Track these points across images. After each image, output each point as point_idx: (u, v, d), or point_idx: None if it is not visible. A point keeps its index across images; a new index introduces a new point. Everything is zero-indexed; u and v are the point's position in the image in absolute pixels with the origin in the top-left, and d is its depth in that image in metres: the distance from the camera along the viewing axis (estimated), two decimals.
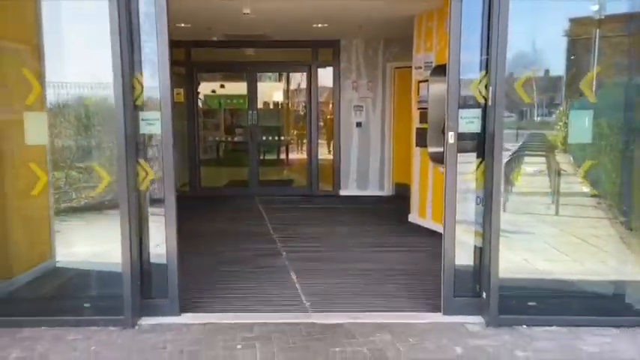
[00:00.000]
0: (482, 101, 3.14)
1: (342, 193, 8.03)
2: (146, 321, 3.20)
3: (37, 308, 3.31)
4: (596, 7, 3.20)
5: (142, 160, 3.14)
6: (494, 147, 3.08)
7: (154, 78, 3.08)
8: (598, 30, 3.31)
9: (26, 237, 3.62)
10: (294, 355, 2.79)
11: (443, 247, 3.29)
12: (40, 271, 3.61)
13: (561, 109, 3.83)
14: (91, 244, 3.62)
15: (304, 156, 8.48)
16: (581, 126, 3.23)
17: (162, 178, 3.10)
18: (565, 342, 2.96)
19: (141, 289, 3.22)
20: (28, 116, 3.24)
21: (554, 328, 3.13)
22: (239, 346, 2.88)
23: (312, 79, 8.20)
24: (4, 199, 3.45)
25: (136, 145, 3.12)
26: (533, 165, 4.47)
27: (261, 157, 8.74)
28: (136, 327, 3.15)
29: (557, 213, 4.21)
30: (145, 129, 3.10)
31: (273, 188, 8.51)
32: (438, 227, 4.33)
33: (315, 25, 6.88)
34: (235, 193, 8.12)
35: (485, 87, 3.10)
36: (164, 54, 3.09)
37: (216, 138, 9.09)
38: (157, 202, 3.17)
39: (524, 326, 3.15)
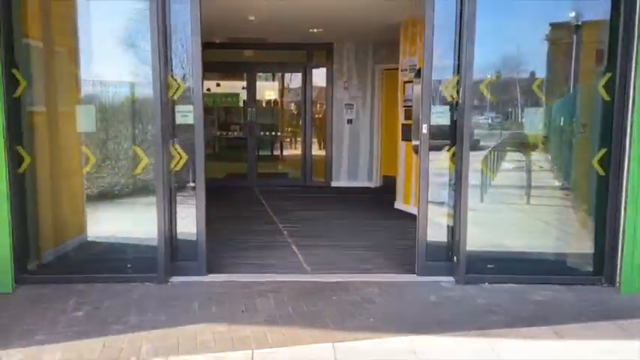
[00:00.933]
0: (453, 100, 3.85)
1: (334, 184, 8.74)
2: (176, 279, 3.86)
3: (87, 268, 3.96)
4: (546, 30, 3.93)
5: (177, 146, 3.80)
6: (463, 136, 3.80)
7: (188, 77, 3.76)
8: (550, 40, 4.04)
9: (76, 208, 4.25)
10: (300, 302, 3.48)
11: (417, 219, 4.00)
12: (84, 239, 4.24)
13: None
14: (133, 217, 4.26)
15: (299, 150, 9.17)
16: (534, 121, 3.97)
17: (194, 160, 3.77)
18: (517, 294, 3.68)
19: (171, 254, 3.89)
20: (80, 109, 3.89)
21: (510, 285, 3.84)
22: (257, 298, 3.56)
23: (307, 79, 8.91)
24: (58, 178, 4.10)
25: (173, 133, 3.79)
26: (511, 162, 5.12)
27: (259, 152, 9.39)
28: (169, 283, 3.81)
29: (528, 202, 4.91)
30: (180, 120, 3.77)
31: (271, 180, 9.17)
32: None
33: (310, 30, 7.56)
34: (236, 185, 8.77)
35: (457, 87, 3.82)
36: (197, 57, 3.75)
37: (217, 134, 9.70)
38: (187, 180, 3.84)
39: (487, 284, 3.86)
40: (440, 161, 4.06)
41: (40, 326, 3.07)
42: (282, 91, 10.18)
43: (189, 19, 3.72)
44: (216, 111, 9.71)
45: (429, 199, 4.00)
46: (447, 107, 3.80)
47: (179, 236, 3.99)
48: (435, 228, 4.08)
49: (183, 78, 3.83)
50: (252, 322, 3.17)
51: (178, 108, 3.78)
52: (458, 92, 3.77)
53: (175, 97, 3.79)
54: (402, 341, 2.91)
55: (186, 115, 3.75)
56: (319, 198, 7.78)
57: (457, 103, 3.80)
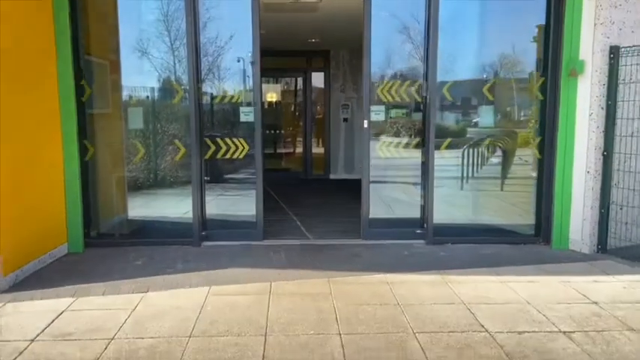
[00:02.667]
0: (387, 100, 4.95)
1: (332, 177, 9.81)
2: (207, 243, 4.94)
3: (138, 236, 5.04)
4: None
5: (241, 139, 4.89)
6: (430, 130, 4.87)
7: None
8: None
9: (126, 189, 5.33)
10: (304, 256, 4.56)
11: (362, 197, 5.06)
12: (124, 216, 5.32)
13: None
14: (176, 197, 5.33)
15: (300, 146, 10.24)
16: (487, 116, 5.06)
17: (254, 149, 4.87)
18: (471, 250, 4.75)
19: (201, 227, 4.95)
20: (131, 111, 4.98)
21: (468, 245, 4.91)
22: (271, 253, 4.64)
23: (307, 82, 10.01)
24: (114, 167, 5.18)
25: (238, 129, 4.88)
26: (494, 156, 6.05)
27: (264, 149, 10.42)
28: (201, 246, 4.89)
29: (502, 189, 5.93)
30: (243, 118, 4.86)
31: (274, 173, 10.24)
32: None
33: (309, 40, 8.66)
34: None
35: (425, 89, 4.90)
36: (257, 69, 4.82)
37: None
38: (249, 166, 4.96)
39: (450, 244, 4.93)
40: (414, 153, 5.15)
41: (112, 271, 4.15)
42: (284, 94, 11.24)
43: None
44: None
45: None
46: (383, 106, 4.90)
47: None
48: (415, 205, 5.17)
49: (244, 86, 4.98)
50: (269, 266, 4.26)
51: (242, 109, 4.88)
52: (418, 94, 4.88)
53: (239, 102, 4.91)
54: (378, 276, 4.00)
55: (248, 114, 4.84)
56: (319, 188, 8.85)
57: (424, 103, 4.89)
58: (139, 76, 5.32)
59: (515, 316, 3.28)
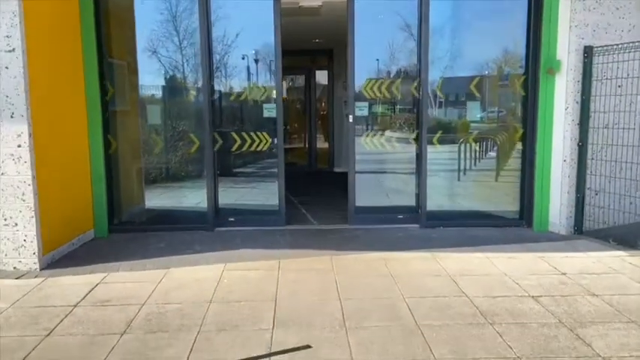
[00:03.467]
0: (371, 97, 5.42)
1: (336, 169, 10.27)
2: (219, 229, 5.42)
3: (156, 223, 5.54)
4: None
5: (265, 132, 5.37)
6: (423, 123, 5.34)
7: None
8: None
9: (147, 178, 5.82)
10: (309, 238, 5.04)
11: (348, 185, 5.54)
12: (142, 206, 5.81)
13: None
14: (191, 185, 5.82)
15: (306, 141, 10.72)
16: (474, 111, 5.53)
17: (276, 142, 5.37)
18: (461, 232, 5.22)
19: (215, 214, 5.44)
20: (150, 108, 5.47)
21: (458, 228, 5.38)
22: (279, 236, 5.13)
23: (311, 80, 10.48)
24: (134, 160, 5.67)
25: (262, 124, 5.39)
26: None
27: None
28: (214, 230, 5.38)
29: (496, 179, 6.37)
30: (266, 114, 5.35)
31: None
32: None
33: (314, 40, 9.13)
34: None
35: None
36: (278, 71, 5.29)
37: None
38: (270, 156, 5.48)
39: (442, 227, 5.41)
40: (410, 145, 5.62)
41: (136, 252, 4.65)
42: (289, 91, 11.73)
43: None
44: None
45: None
46: (367, 103, 5.39)
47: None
48: (409, 194, 5.64)
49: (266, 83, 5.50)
50: (277, 247, 4.75)
51: (265, 106, 5.37)
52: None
53: (262, 99, 5.43)
54: (375, 254, 4.48)
55: (271, 110, 5.34)
56: (323, 180, 9.32)
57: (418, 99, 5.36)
58: (161, 76, 5.77)
59: (493, 285, 3.76)
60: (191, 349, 2.84)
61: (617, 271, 4.06)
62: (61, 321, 3.23)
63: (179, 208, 5.77)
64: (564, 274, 3.99)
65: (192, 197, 5.66)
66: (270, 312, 3.32)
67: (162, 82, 5.83)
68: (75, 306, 3.47)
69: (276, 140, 5.42)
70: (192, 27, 5.34)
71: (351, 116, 5.41)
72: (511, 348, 2.82)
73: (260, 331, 3.06)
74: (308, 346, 2.86)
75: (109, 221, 5.30)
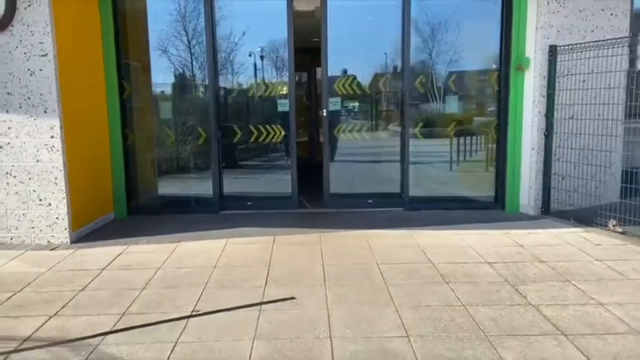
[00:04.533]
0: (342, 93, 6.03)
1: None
2: (224, 212, 6.08)
3: (165, 207, 6.21)
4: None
5: (278, 125, 6.01)
6: (405, 118, 5.93)
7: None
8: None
9: (159, 167, 6.48)
10: (303, 219, 5.68)
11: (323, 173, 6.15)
12: (155, 193, 6.48)
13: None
14: (199, 174, 6.47)
15: (307, 135, 11.33)
16: (456, 104, 6.12)
17: (289, 134, 6.01)
18: (440, 214, 5.82)
19: (220, 199, 6.10)
20: (165, 105, 6.13)
21: (438, 210, 5.98)
22: (277, 218, 5.77)
23: (311, 76, 11.09)
24: (148, 151, 6.34)
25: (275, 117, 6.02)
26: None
27: None
28: (220, 213, 6.03)
29: (488, 171, 6.91)
30: (280, 108, 6.00)
31: None
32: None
33: (313, 39, 9.71)
34: None
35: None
36: (291, 67, 5.92)
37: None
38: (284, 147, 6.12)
39: (424, 210, 6.01)
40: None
41: (152, 230, 5.32)
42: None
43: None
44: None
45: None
46: (339, 98, 6.02)
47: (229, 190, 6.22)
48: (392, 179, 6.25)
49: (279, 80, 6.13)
50: (274, 226, 5.39)
51: (279, 101, 6.01)
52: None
53: (276, 94, 6.05)
54: (359, 231, 5.11)
55: (284, 105, 5.98)
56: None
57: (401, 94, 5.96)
58: (173, 77, 6.42)
59: (456, 254, 4.37)
60: (198, 300, 3.50)
61: (568, 243, 4.65)
62: (92, 280, 3.91)
63: (188, 195, 6.41)
64: (522, 245, 4.59)
65: (204, 186, 6.26)
66: (264, 274, 3.97)
67: (175, 82, 6.49)
68: (102, 269, 4.14)
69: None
70: (207, 35, 5.98)
71: (325, 110, 6.07)
72: (459, 299, 3.44)
73: (255, 287, 3.71)
74: (293, 298, 3.50)
75: (127, 205, 5.98)
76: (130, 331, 3.06)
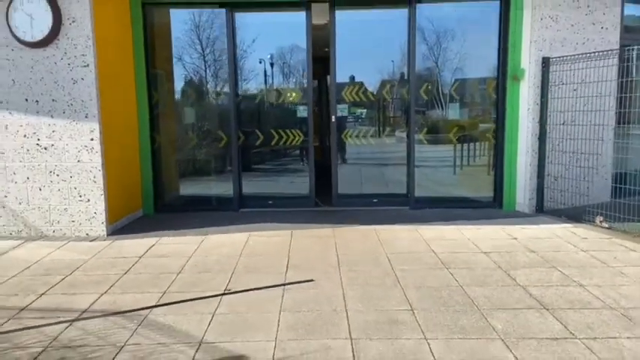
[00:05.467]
0: (353, 100, 6.53)
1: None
2: (243, 210, 6.59)
3: (188, 205, 6.73)
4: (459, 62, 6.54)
5: (298, 130, 6.53)
6: (411, 120, 6.43)
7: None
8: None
9: (185, 169, 7.00)
10: (318, 216, 6.17)
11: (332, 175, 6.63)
12: (178, 193, 7.00)
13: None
14: (219, 174, 6.99)
15: (318, 139, 11.85)
16: (458, 111, 6.61)
17: (307, 138, 6.51)
18: (443, 212, 6.29)
19: (240, 198, 6.61)
20: (188, 111, 6.67)
21: (442, 209, 6.46)
22: (294, 215, 6.27)
23: (323, 84, 11.62)
24: (172, 154, 6.86)
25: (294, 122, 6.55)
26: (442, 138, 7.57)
27: None
28: (239, 212, 6.54)
29: (488, 173, 7.40)
30: (299, 114, 6.52)
31: None
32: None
33: (324, 49, 10.25)
34: None
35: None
36: (309, 75, 6.44)
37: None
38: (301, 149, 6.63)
39: (428, 209, 6.49)
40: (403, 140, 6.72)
41: (179, 225, 5.83)
42: None
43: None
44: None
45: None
46: (346, 105, 6.52)
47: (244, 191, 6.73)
48: (399, 181, 6.73)
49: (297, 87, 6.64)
50: (289, 222, 5.89)
51: (298, 108, 6.54)
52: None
53: (295, 101, 6.58)
54: (369, 226, 5.60)
55: (303, 111, 6.50)
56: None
57: (407, 101, 6.46)
58: (195, 85, 6.98)
59: (456, 245, 4.85)
60: (228, 281, 4.00)
61: (558, 236, 5.12)
62: (132, 266, 4.42)
63: (212, 194, 6.92)
64: (515, 238, 5.06)
65: (224, 187, 6.77)
66: (285, 261, 4.47)
67: (202, 88, 7.02)
68: (140, 257, 4.66)
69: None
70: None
71: (333, 117, 6.56)
72: (457, 281, 3.92)
73: (277, 272, 4.20)
74: (311, 280, 4.00)
75: (154, 202, 6.50)
76: (172, 305, 3.57)
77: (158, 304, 3.60)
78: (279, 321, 3.27)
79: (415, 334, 3.07)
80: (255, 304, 3.55)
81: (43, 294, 3.82)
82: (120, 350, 2.93)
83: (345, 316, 3.34)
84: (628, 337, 3.01)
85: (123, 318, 3.37)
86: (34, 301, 3.68)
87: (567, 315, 3.31)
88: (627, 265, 4.26)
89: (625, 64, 5.83)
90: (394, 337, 3.04)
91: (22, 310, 3.54)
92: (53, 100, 5.23)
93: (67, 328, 3.24)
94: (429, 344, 2.95)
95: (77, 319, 3.36)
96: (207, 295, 3.74)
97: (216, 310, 3.47)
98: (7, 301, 3.70)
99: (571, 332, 3.09)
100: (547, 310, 3.39)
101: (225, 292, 3.80)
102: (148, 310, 3.48)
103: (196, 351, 2.91)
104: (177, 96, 7.05)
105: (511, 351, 2.86)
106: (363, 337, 3.04)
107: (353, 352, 2.87)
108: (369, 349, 2.90)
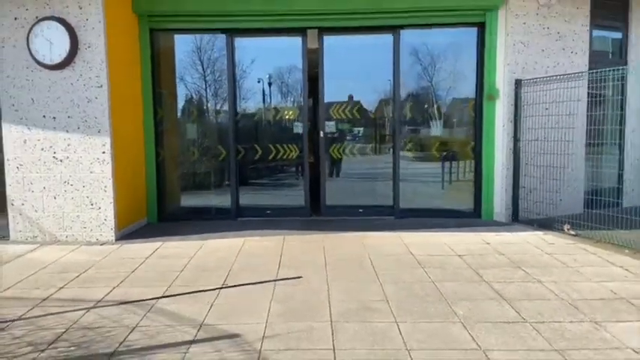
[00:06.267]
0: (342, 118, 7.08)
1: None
2: (240, 219, 7.08)
3: (189, 215, 7.22)
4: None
5: (294, 145, 7.06)
6: (396, 137, 6.97)
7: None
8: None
9: (186, 181, 7.51)
10: (310, 224, 6.66)
11: (320, 188, 7.15)
12: (179, 204, 7.50)
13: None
14: (218, 186, 7.50)
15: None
16: (439, 128, 7.15)
17: (302, 152, 7.01)
18: (425, 220, 6.77)
19: (237, 209, 7.10)
20: (190, 127, 7.20)
21: (425, 218, 6.94)
22: (287, 223, 6.76)
23: (314, 103, 12.23)
24: (174, 167, 7.38)
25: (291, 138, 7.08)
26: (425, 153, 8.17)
27: None
28: (238, 220, 7.03)
29: (469, 186, 7.90)
30: (295, 130, 7.06)
31: None
32: None
33: (315, 70, 10.86)
34: None
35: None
36: (305, 94, 7.00)
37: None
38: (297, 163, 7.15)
39: (411, 218, 6.98)
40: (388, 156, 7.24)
41: (181, 231, 6.31)
42: None
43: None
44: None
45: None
46: (334, 122, 7.05)
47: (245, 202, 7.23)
48: (386, 194, 7.24)
49: (294, 106, 7.18)
50: (284, 229, 6.37)
51: (295, 124, 7.08)
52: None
53: (291, 118, 7.11)
54: (355, 233, 6.09)
55: (298, 127, 7.03)
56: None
57: (391, 119, 7.00)
58: (197, 103, 7.54)
59: (434, 249, 5.34)
60: (226, 278, 4.48)
61: (528, 242, 5.61)
62: (139, 265, 4.90)
63: (212, 205, 7.42)
64: (488, 243, 5.55)
65: (222, 199, 7.27)
66: (277, 262, 4.95)
67: (204, 106, 7.58)
68: (146, 258, 5.14)
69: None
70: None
71: (321, 132, 7.09)
72: (430, 278, 4.40)
73: (269, 270, 4.68)
74: (300, 277, 4.48)
75: (157, 211, 6.99)
76: (176, 297, 4.04)
77: (164, 295, 4.07)
78: (269, 309, 3.75)
79: (387, 319, 3.55)
80: (249, 296, 4.03)
81: (61, 288, 4.30)
82: (132, 330, 3.40)
83: (328, 305, 3.81)
84: (570, 322, 3.49)
85: (133, 306, 3.85)
86: (53, 294, 4.16)
87: (522, 304, 3.79)
88: (584, 265, 4.75)
89: (593, 86, 6.40)
90: (369, 321, 3.51)
91: (44, 300, 4.01)
92: (69, 116, 5.77)
93: (85, 314, 3.71)
94: (398, 326, 3.43)
95: (93, 307, 3.84)
96: (207, 288, 4.21)
97: (214, 300, 3.95)
98: (30, 293, 4.17)
99: (523, 317, 3.56)
100: (505, 300, 3.87)
101: (223, 286, 4.28)
102: (155, 300, 3.96)
103: (198, 331, 3.39)
104: (180, 113, 7.60)
105: (468, 331, 3.34)
106: (342, 321, 3.51)
107: (332, 331, 3.35)
108: (346, 329, 3.38)
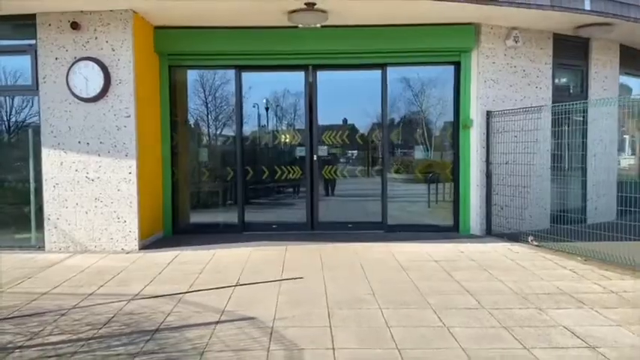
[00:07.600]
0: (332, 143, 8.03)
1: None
2: (246, 232, 7.94)
3: (201, 229, 8.08)
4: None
5: (297, 166, 7.95)
6: (385, 160, 7.90)
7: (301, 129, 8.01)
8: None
9: (198, 198, 8.39)
10: (309, 237, 7.53)
11: (312, 203, 8.07)
12: (191, 219, 8.36)
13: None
14: (224, 204, 8.37)
15: None
16: (423, 152, 8.11)
17: (305, 173, 7.89)
18: (412, 234, 7.67)
19: (243, 224, 7.97)
20: (202, 151, 8.12)
21: (411, 232, 7.83)
22: (288, 236, 7.63)
23: None
24: (186, 187, 8.26)
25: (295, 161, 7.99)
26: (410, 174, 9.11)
27: None
28: (243, 233, 7.89)
29: (449, 204, 8.84)
30: (298, 153, 7.95)
31: None
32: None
33: None
34: None
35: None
36: (307, 121, 7.94)
37: None
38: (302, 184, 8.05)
39: (399, 231, 7.87)
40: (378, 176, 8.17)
41: (194, 242, 7.15)
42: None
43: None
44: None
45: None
46: (326, 147, 7.99)
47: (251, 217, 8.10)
48: (375, 211, 8.14)
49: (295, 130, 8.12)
50: (286, 240, 7.24)
51: (298, 148, 7.99)
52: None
53: (295, 143, 8.04)
54: (349, 244, 6.97)
55: (302, 150, 7.95)
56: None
57: (379, 143, 7.95)
58: (207, 129, 8.46)
59: (416, 257, 6.22)
60: (238, 278, 5.33)
61: (496, 251, 6.51)
62: (163, 269, 5.75)
63: (220, 221, 8.28)
64: (462, 252, 6.45)
65: (231, 213, 8.16)
66: (280, 267, 5.81)
67: (214, 132, 8.51)
68: (168, 264, 5.99)
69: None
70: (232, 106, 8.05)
71: (315, 155, 7.98)
72: (410, 278, 5.28)
73: (275, 273, 5.54)
74: (301, 277, 5.34)
75: (172, 225, 7.85)
76: (199, 292, 4.89)
77: (188, 290, 4.92)
78: (277, 300, 4.61)
79: (373, 306, 4.42)
80: (260, 291, 4.89)
81: (101, 286, 5.14)
82: (168, 314, 4.25)
83: (325, 297, 4.68)
84: (519, 308, 4.38)
85: (165, 299, 4.70)
86: (96, 290, 5.00)
87: (483, 297, 4.67)
88: (541, 269, 5.65)
89: (556, 117, 7.38)
90: (358, 308, 4.38)
91: (90, 295, 4.85)
92: (101, 142, 6.67)
93: (126, 304, 4.56)
94: (382, 311, 4.30)
95: (132, 299, 4.68)
96: (224, 286, 5.07)
97: (231, 294, 4.81)
98: (77, 290, 5.01)
99: (482, 306, 4.44)
100: (470, 294, 4.75)
101: (237, 284, 5.13)
102: (182, 295, 4.81)
103: (221, 315, 4.24)
104: (193, 139, 8.53)
105: (437, 315, 4.21)
106: (336, 308, 4.38)
107: (329, 315, 4.21)
108: (339, 314, 4.24)
